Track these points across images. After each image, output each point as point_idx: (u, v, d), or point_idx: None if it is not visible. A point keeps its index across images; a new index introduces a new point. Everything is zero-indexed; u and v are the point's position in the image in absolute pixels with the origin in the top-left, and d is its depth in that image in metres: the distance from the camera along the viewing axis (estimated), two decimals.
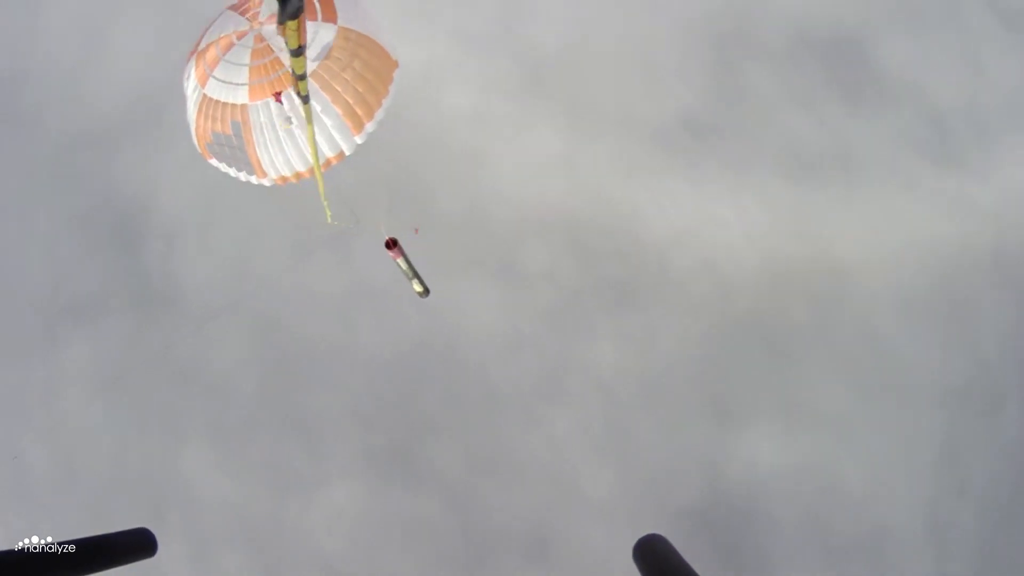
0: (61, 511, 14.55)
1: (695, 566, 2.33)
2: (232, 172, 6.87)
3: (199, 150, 6.86)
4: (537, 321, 15.15)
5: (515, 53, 16.55)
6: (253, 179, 6.87)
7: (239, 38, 6.23)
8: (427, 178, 15.70)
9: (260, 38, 6.19)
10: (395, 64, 6.86)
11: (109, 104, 16.68)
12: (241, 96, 6.19)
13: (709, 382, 14.67)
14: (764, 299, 14.90)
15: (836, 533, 13.56)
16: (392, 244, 9.12)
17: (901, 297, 14.76)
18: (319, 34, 6.23)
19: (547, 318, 15.17)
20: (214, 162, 6.88)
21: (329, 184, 7.39)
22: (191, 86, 6.51)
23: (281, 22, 4.37)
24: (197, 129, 6.59)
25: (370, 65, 6.53)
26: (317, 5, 6.29)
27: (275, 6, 4.35)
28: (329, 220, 8.68)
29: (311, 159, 6.66)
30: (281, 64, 6.08)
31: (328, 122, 6.47)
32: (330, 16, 6.33)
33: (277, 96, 6.11)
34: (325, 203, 8.23)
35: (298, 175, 6.82)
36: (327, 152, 6.77)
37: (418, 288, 10.54)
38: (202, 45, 6.41)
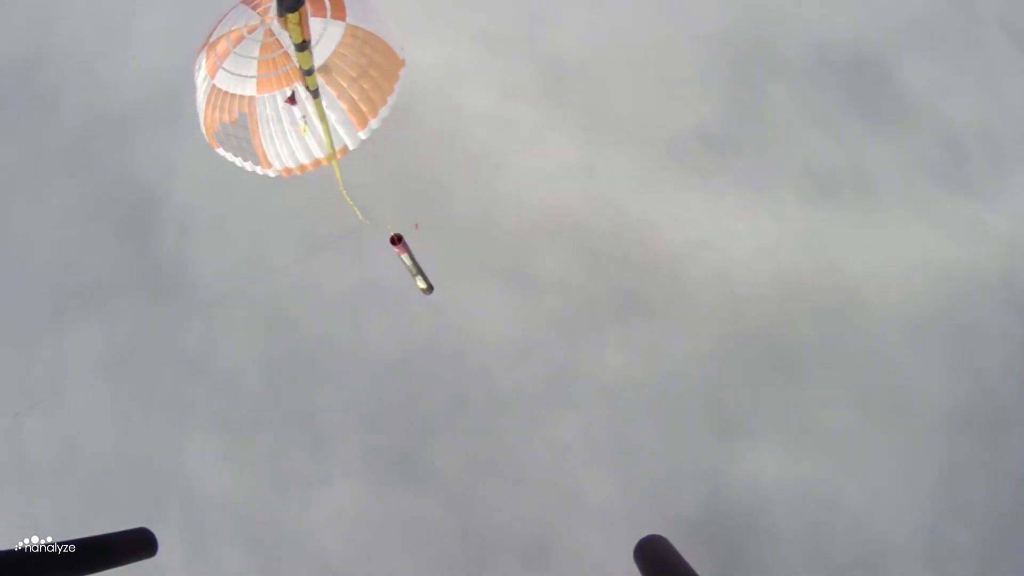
0: (59, 494, 14.55)
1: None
2: (239, 162, 7.01)
3: (207, 139, 7.01)
4: (546, 327, 15.18)
5: (537, 59, 16.64)
6: (259, 169, 7.01)
7: (250, 32, 6.37)
8: (442, 179, 15.76)
9: (270, 32, 6.32)
10: (402, 63, 6.96)
11: (126, 91, 16.75)
12: (249, 88, 6.32)
13: (715, 394, 14.67)
14: (773, 314, 14.93)
15: (837, 550, 13.59)
16: (397, 240, 9.18)
17: (909, 319, 14.77)
18: (328, 31, 6.34)
19: (556, 324, 15.19)
20: (221, 151, 7.03)
21: (331, 179, 7.43)
22: (201, 76, 6.68)
23: (279, 15, 4.38)
24: (205, 119, 6.75)
25: (376, 63, 6.63)
26: (327, 2, 6.40)
27: None
28: (360, 217, 8.70)
29: (324, 156, 6.71)
30: (289, 59, 6.20)
31: (332, 117, 6.59)
32: (339, 13, 6.45)
33: (291, 100, 6.15)
34: (350, 201, 8.26)
35: (302, 167, 6.94)
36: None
37: (422, 285, 10.65)
38: (213, 37, 6.57)
